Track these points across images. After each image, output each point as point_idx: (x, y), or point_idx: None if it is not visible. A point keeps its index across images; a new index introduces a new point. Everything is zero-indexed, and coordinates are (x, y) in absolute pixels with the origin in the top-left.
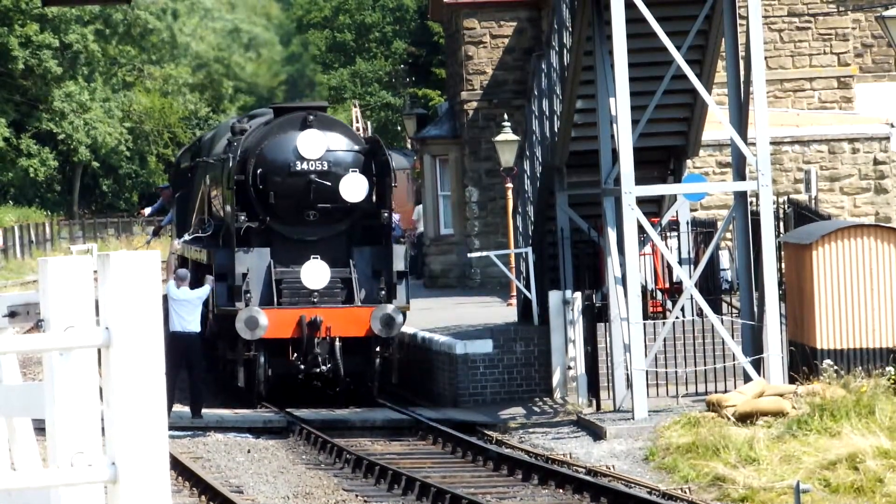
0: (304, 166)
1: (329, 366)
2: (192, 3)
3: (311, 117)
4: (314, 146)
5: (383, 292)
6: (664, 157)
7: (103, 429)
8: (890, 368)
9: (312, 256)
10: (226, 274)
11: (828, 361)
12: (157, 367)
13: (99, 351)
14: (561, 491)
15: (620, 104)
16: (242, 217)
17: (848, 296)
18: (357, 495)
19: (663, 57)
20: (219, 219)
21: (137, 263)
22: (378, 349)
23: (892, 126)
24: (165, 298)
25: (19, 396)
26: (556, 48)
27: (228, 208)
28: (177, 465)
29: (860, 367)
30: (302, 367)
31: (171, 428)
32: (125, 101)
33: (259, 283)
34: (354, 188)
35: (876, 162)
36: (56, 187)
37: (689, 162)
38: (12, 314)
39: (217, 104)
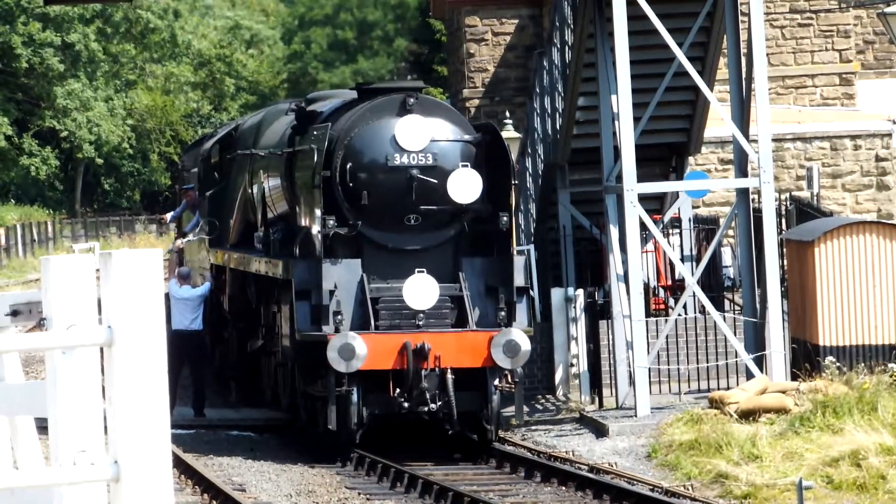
0: (405, 160)
1: (439, 403)
2: (193, 1)
3: (412, 100)
4: (416, 135)
5: (503, 313)
6: (666, 154)
7: (106, 427)
8: (892, 365)
9: (417, 270)
10: (309, 291)
11: (830, 358)
12: (160, 365)
13: (101, 349)
14: (563, 488)
15: (622, 101)
16: (331, 222)
17: (850, 292)
18: (359, 493)
19: (665, 54)
20: (276, 221)
21: (139, 262)
22: (497, 383)
23: (894, 122)
24: (167, 297)
25: (22, 395)
26: (558, 45)
27: (315, 210)
28: (179, 464)
29: (862, 364)
30: (406, 404)
31: (173, 426)
32: (127, 101)
33: (350, 302)
34: (465, 186)
35: (878, 158)
36: (58, 186)
37: (690, 159)
38: (14, 313)
39: (219, 102)
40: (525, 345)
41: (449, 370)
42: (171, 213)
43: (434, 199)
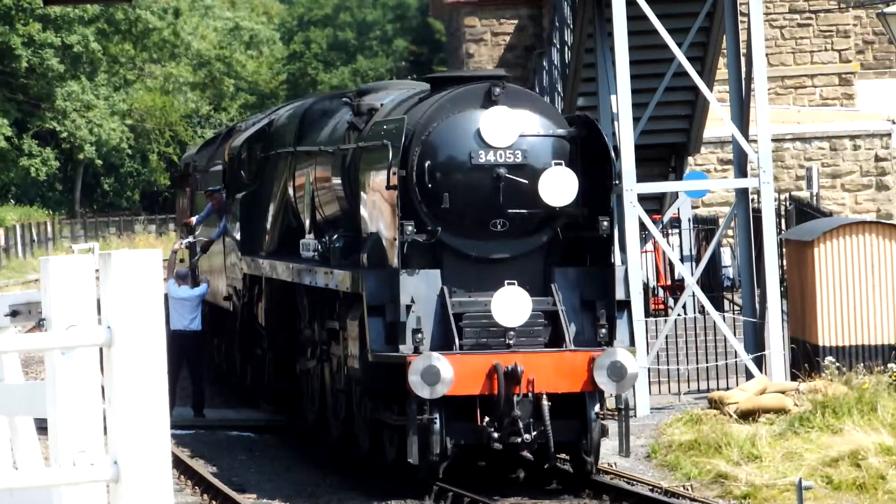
0: (491, 157)
1: (534, 434)
2: (192, 1)
3: (498, 90)
4: (503, 130)
5: (603, 330)
6: (666, 154)
7: (105, 428)
8: (892, 365)
9: (507, 282)
10: (383, 306)
11: (829, 358)
12: (159, 365)
13: (101, 350)
14: (563, 489)
15: (622, 101)
16: (410, 228)
17: (849, 293)
18: (360, 493)
19: (664, 54)
20: (328, 226)
21: (139, 262)
22: (597, 410)
23: (894, 122)
24: (166, 297)
25: (21, 395)
26: (558, 46)
27: (390, 215)
28: (179, 464)
29: (862, 364)
30: (496, 434)
31: (173, 427)
32: (127, 100)
33: (429, 319)
34: (559, 187)
35: (877, 158)
36: (58, 186)
37: (690, 159)
38: (14, 313)
39: (218, 102)
40: (632, 367)
41: (544, 396)
42: (196, 217)
43: (523, 202)
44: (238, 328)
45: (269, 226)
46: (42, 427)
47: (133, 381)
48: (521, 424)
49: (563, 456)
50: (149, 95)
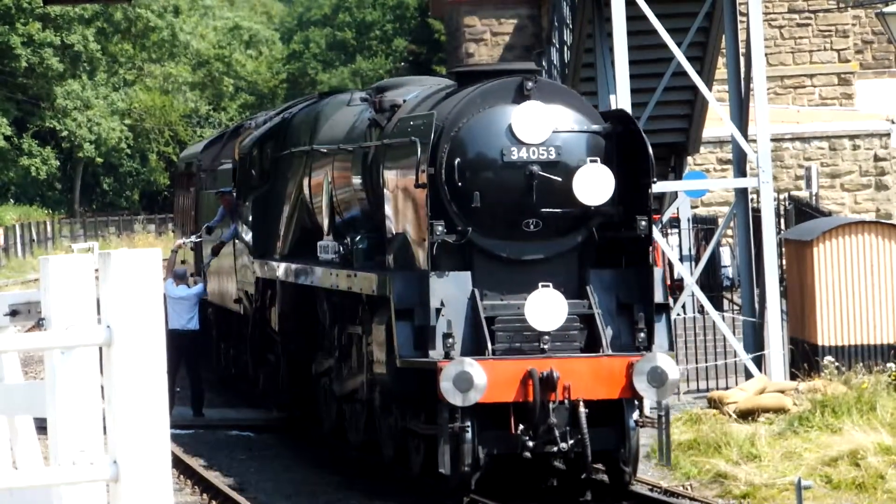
0: (523, 154)
1: (571, 442)
2: (192, 0)
3: (530, 84)
4: (536, 126)
5: (643, 334)
6: (665, 154)
7: (105, 427)
8: (891, 365)
9: (542, 284)
10: (411, 309)
11: (829, 358)
12: (159, 365)
13: (100, 349)
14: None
15: (621, 101)
16: (440, 228)
17: (849, 292)
18: (360, 493)
19: (664, 54)
20: (347, 227)
21: (138, 262)
22: (636, 416)
23: (893, 122)
24: (164, 297)
25: (21, 395)
26: (557, 45)
27: (419, 215)
28: (178, 464)
29: (861, 364)
30: (530, 443)
31: (172, 426)
32: (126, 99)
33: (460, 323)
34: (594, 185)
35: (876, 158)
36: (57, 186)
37: (689, 159)
38: (14, 313)
39: (217, 102)
40: (673, 372)
41: (581, 402)
42: (207, 224)
43: (557, 201)
44: (250, 333)
45: (282, 227)
46: (42, 427)
47: (132, 380)
48: (556, 433)
49: (598, 466)
50: (148, 95)
